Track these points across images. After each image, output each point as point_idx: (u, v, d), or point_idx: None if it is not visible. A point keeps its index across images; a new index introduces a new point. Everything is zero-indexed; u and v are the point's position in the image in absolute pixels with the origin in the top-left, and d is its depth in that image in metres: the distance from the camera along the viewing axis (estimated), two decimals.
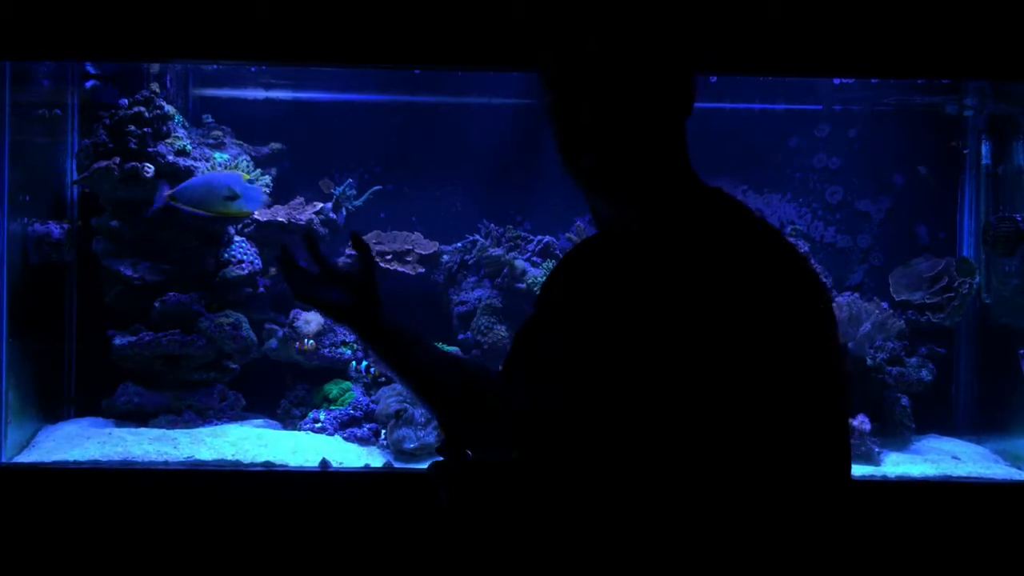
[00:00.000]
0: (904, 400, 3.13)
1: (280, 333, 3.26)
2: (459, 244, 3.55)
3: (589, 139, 1.24)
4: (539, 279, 3.42)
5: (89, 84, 3.16)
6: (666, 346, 1.12)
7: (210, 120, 3.44)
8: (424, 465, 2.82)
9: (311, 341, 3.18)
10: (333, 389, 3.23)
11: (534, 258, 3.54)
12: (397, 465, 2.80)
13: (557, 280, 1.46)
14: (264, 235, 3.40)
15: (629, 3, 1.25)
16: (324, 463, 2.71)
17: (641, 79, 1.22)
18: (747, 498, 1.07)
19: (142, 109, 3.09)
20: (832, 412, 1.11)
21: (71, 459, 2.70)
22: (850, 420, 2.85)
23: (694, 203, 1.26)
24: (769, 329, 1.08)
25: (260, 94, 3.46)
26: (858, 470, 2.80)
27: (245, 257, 3.29)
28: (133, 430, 2.97)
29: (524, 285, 3.43)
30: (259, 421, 3.20)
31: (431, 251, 3.50)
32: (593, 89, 1.23)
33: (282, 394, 3.29)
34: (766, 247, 1.15)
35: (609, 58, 1.22)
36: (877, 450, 2.92)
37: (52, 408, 3.07)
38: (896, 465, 2.88)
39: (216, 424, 3.09)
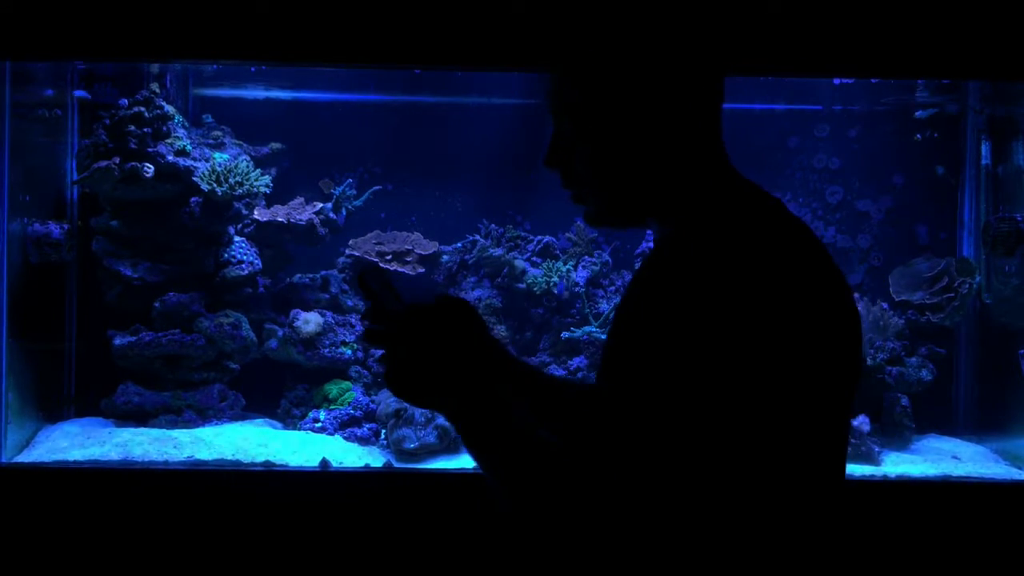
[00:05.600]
0: (904, 400, 3.13)
1: (280, 333, 3.25)
2: (459, 244, 3.55)
3: (583, 187, 1.22)
4: (539, 279, 3.42)
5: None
6: (679, 345, 1.11)
7: (210, 120, 3.44)
8: (424, 465, 2.82)
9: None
10: (333, 389, 3.23)
11: (534, 258, 3.54)
12: (397, 465, 2.79)
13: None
14: (264, 235, 3.40)
15: (619, 26, 1.19)
16: (324, 463, 2.71)
17: (629, 107, 1.17)
18: (742, 495, 1.07)
19: (142, 109, 3.09)
20: (836, 417, 1.13)
21: (71, 459, 2.70)
22: (851, 421, 2.85)
23: (724, 207, 1.20)
24: (785, 326, 1.07)
25: (260, 94, 3.46)
26: (858, 470, 2.80)
27: (245, 257, 3.29)
28: (133, 430, 2.97)
29: (524, 285, 3.43)
30: (259, 421, 3.20)
31: (431, 251, 3.49)
32: (580, 132, 1.19)
33: (282, 394, 3.28)
34: (791, 247, 1.13)
35: (594, 96, 1.17)
36: (877, 450, 2.92)
37: (52, 408, 3.07)
38: (896, 465, 2.88)
39: (216, 424, 3.09)
